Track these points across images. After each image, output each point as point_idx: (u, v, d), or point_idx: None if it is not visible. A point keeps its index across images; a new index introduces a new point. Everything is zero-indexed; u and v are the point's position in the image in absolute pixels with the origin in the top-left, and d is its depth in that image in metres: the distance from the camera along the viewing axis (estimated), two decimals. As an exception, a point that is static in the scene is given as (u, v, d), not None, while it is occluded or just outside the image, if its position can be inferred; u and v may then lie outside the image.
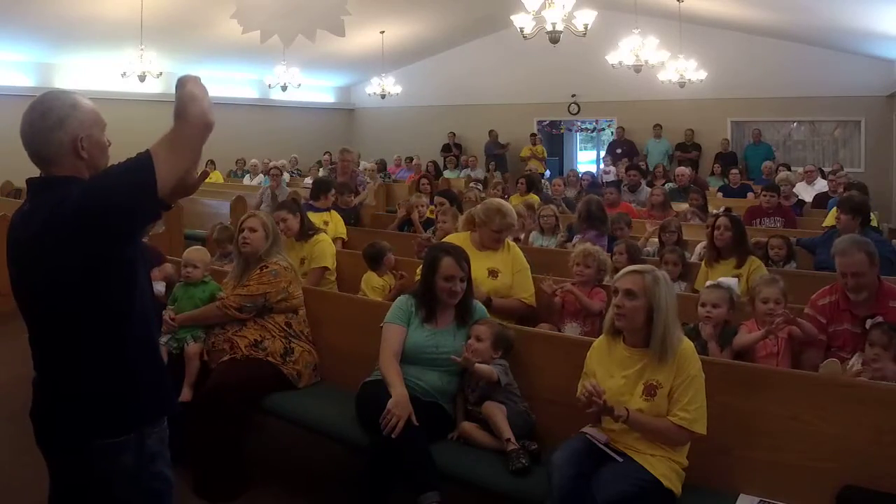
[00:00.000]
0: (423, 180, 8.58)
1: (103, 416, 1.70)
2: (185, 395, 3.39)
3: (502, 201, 4.23)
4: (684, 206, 7.32)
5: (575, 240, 5.31)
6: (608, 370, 2.57)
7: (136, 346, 1.75)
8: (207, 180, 11.13)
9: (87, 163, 1.72)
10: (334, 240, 5.61)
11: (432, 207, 6.40)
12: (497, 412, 2.81)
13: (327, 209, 6.00)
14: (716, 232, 4.35)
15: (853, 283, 3.21)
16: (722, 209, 5.80)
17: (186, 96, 1.66)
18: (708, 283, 3.55)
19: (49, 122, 1.69)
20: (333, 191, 6.12)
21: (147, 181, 1.59)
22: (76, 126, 1.70)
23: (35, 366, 1.79)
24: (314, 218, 5.27)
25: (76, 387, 1.70)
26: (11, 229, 1.76)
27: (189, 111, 1.65)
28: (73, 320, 1.67)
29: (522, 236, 5.58)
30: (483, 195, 6.64)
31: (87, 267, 1.62)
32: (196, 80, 1.71)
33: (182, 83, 1.69)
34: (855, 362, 2.95)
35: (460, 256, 3.10)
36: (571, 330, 3.81)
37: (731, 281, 3.52)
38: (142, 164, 1.60)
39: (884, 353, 2.78)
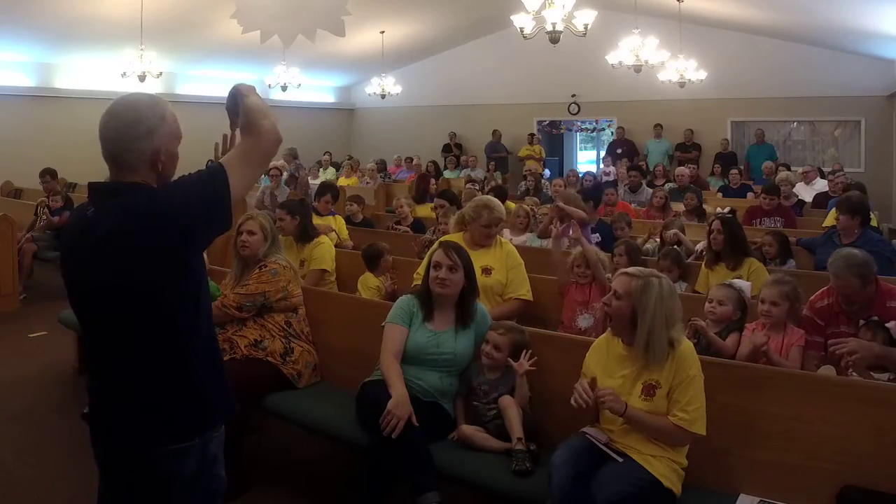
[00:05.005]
0: (419, 182, 8.65)
1: (170, 423, 1.71)
2: None
3: (489, 197, 4.24)
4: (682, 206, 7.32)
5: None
6: (607, 370, 2.57)
7: (202, 351, 1.77)
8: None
9: (160, 173, 1.71)
10: (341, 243, 5.63)
11: (431, 205, 6.45)
12: (513, 409, 2.80)
13: (329, 213, 6.02)
14: (710, 236, 4.35)
15: (845, 301, 3.28)
16: (727, 209, 5.77)
17: (256, 110, 1.70)
18: (725, 282, 3.56)
19: (138, 132, 1.67)
20: (329, 195, 6.15)
21: (222, 193, 1.64)
22: (161, 139, 1.69)
23: (95, 372, 1.77)
24: (318, 222, 5.28)
25: (140, 392, 1.69)
26: (70, 233, 1.75)
27: (262, 126, 1.70)
28: (142, 326, 1.66)
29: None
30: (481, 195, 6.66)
31: (157, 272, 1.63)
32: (254, 89, 1.75)
33: (243, 94, 1.73)
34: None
35: (451, 248, 3.10)
36: (584, 321, 3.82)
37: (743, 283, 3.51)
38: (216, 177, 1.65)
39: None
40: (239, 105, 1.76)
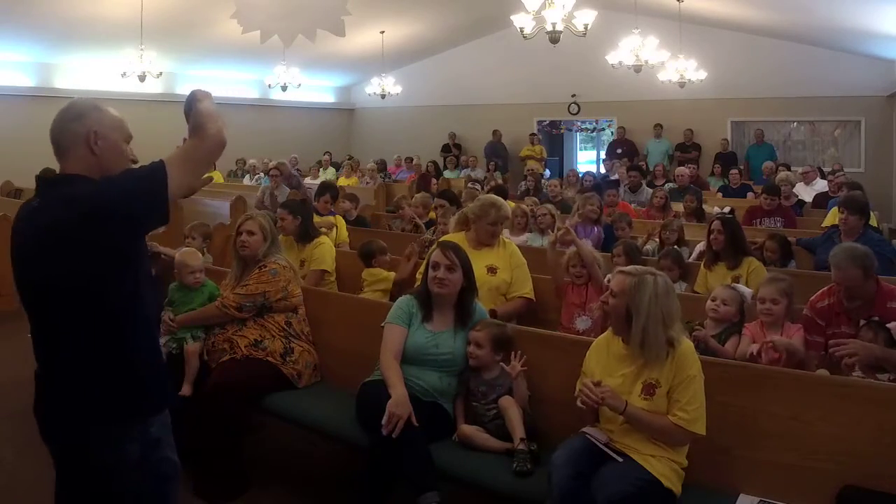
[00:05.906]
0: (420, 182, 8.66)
1: (107, 407, 1.77)
2: (185, 390, 3.39)
3: (494, 196, 4.24)
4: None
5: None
6: (607, 368, 2.58)
7: (138, 338, 1.82)
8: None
9: (99, 161, 1.78)
10: (340, 244, 5.63)
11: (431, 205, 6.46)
12: (514, 409, 2.80)
13: (329, 213, 6.03)
14: (710, 236, 4.34)
15: (846, 294, 3.27)
16: (727, 209, 5.76)
17: (204, 113, 1.74)
18: (730, 285, 3.56)
19: (70, 114, 1.80)
20: (328, 195, 6.15)
21: (159, 191, 1.68)
22: (92, 122, 1.79)
23: (37, 359, 1.83)
24: (318, 220, 5.28)
25: (80, 379, 1.75)
26: (18, 223, 1.81)
27: (207, 129, 1.74)
28: (77, 315, 1.73)
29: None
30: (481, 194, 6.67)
31: (94, 262, 1.69)
32: (210, 95, 1.79)
33: (198, 98, 1.77)
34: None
35: (449, 248, 3.11)
36: (582, 323, 3.83)
37: (745, 290, 3.52)
38: (156, 174, 1.68)
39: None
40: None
